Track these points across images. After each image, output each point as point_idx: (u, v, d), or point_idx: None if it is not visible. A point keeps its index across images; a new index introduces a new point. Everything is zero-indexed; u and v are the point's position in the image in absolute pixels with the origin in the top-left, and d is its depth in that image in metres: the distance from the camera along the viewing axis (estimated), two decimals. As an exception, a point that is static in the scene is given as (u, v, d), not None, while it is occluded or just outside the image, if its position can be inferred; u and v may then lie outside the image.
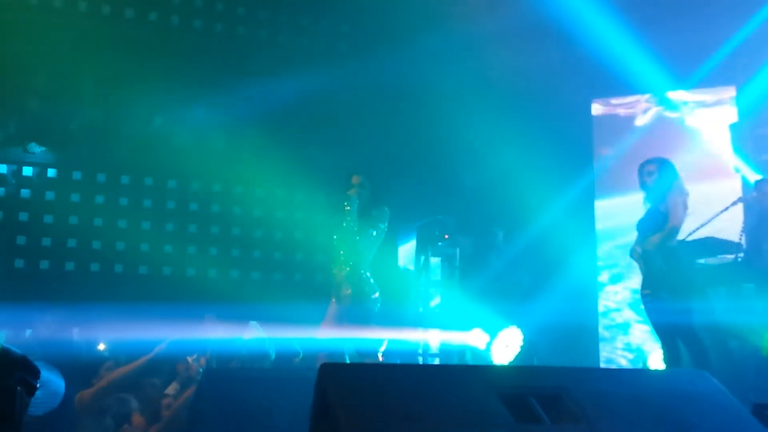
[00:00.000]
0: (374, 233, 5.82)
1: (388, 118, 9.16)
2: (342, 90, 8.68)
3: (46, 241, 7.89)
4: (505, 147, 8.27)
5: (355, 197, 5.83)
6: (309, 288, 8.45)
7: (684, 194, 5.72)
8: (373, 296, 5.81)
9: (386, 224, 5.89)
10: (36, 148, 7.81)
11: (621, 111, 9.11)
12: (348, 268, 5.80)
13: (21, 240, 7.79)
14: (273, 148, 8.06)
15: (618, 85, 8.58)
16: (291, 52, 9.19)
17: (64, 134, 8.27)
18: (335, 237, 5.91)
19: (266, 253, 8.84)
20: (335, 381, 2.80)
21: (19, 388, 2.59)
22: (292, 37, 9.39)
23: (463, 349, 7.79)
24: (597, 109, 9.26)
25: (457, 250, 8.39)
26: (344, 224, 5.83)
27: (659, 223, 5.62)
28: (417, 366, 5.24)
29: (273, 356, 6.46)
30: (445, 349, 7.85)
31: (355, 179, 5.98)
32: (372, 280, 5.86)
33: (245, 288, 8.21)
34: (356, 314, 5.79)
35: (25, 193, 7.91)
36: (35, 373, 2.71)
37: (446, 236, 8.29)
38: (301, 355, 6.61)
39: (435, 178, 9.19)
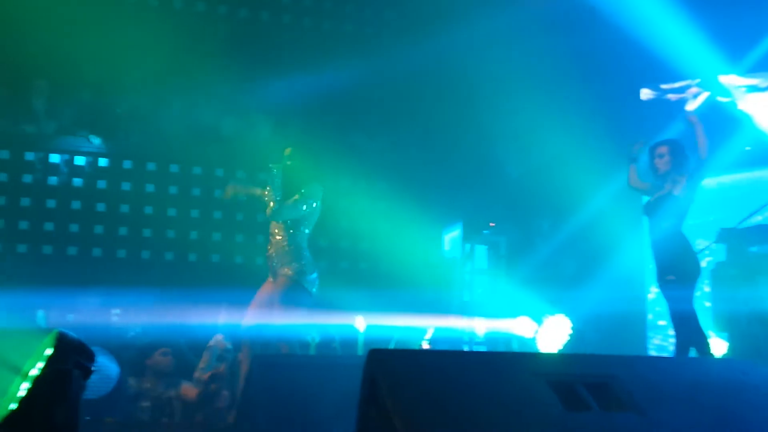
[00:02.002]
0: (305, 208, 5.64)
1: (431, 105, 9.13)
2: (386, 77, 8.67)
3: (99, 229, 8.07)
4: (550, 134, 8.19)
5: (277, 170, 5.67)
6: (355, 275, 8.50)
7: (696, 177, 5.58)
8: (310, 277, 5.63)
9: (318, 201, 5.71)
10: (94, 140, 7.99)
11: (670, 96, 8.93)
12: (293, 247, 5.64)
13: (74, 228, 7.97)
14: (317, 136, 8.10)
15: (667, 69, 8.42)
16: (336, 39, 9.22)
17: (115, 124, 8.44)
18: (267, 214, 5.68)
19: (311, 241, 8.91)
20: (383, 367, 2.82)
21: (75, 371, 2.66)
22: (336, 24, 9.41)
23: (509, 337, 7.76)
24: (645, 94, 9.08)
25: (503, 237, 8.34)
26: (266, 198, 5.66)
27: (671, 208, 5.50)
28: (465, 353, 5.24)
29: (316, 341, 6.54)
30: (491, 337, 7.83)
31: (287, 151, 5.83)
32: (311, 259, 5.69)
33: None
34: (291, 297, 5.60)
35: (77, 181, 8.10)
36: (91, 357, 2.79)
37: (492, 224, 8.25)
38: (316, 340, 6.64)
39: (480, 165, 9.14)
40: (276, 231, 5.69)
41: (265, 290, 5.64)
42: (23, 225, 7.81)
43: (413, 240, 8.08)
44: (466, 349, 7.70)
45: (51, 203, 7.94)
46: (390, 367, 2.81)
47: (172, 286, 7.33)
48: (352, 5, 9.43)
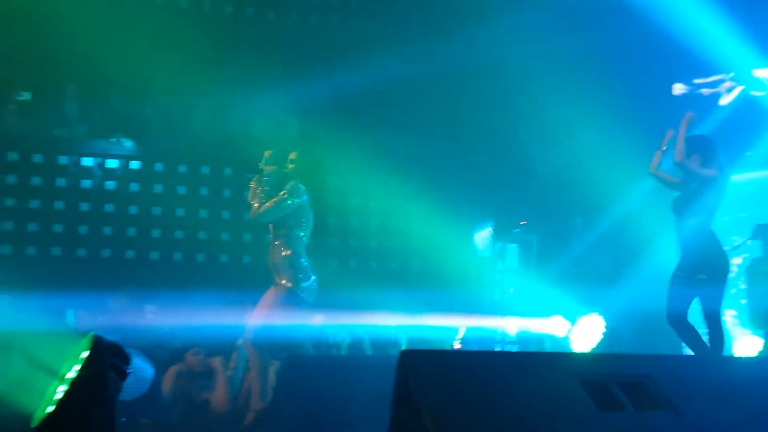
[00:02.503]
0: (286, 205, 5.51)
1: (460, 103, 9.10)
2: (414, 75, 8.66)
3: (131, 231, 8.17)
4: (582, 131, 8.12)
5: (268, 172, 5.59)
6: (384, 275, 8.51)
7: (724, 174, 5.48)
8: (304, 284, 5.53)
9: (299, 199, 5.55)
10: (126, 142, 8.09)
11: (704, 91, 8.81)
12: (288, 252, 5.56)
13: (107, 230, 8.08)
14: (347, 135, 8.12)
15: (700, 64, 8.31)
16: (363, 37, 9.23)
17: (146, 127, 8.54)
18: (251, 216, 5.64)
19: (342, 240, 8.93)
20: (416, 367, 2.82)
21: (111, 373, 2.69)
22: (363, 22, 9.42)
23: (541, 337, 7.71)
24: (678, 89, 8.96)
25: (535, 236, 8.30)
26: (250, 200, 5.59)
27: (699, 204, 5.41)
28: (498, 353, 5.22)
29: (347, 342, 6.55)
30: (523, 337, 7.78)
31: (291, 156, 5.75)
32: (305, 266, 5.58)
33: (322, 275, 8.30)
34: (287, 306, 5.50)
35: (110, 184, 8.20)
36: (126, 360, 2.82)
37: (523, 222, 8.21)
38: (348, 341, 6.64)
39: (510, 163, 9.09)
40: (272, 237, 5.65)
41: (266, 296, 5.61)
42: (57, 228, 7.93)
43: (444, 239, 8.07)
44: (498, 348, 7.66)
45: (84, 206, 8.05)
46: (422, 368, 2.81)
47: (206, 287, 7.38)
48: (378, 3, 9.44)
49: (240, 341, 6.09)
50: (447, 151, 9.20)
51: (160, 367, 5.93)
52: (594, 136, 8.06)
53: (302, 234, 5.61)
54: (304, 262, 5.58)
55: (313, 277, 5.61)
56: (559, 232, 8.69)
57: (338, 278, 8.14)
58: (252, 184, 5.65)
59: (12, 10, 7.94)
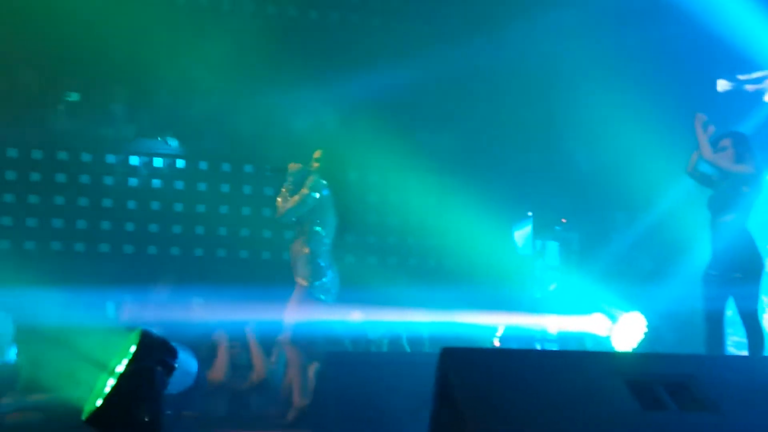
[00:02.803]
0: (308, 201, 5.57)
1: (500, 100, 9.06)
2: (454, 73, 8.65)
3: (177, 229, 8.31)
4: (624, 127, 8.03)
5: (293, 172, 5.66)
6: (422, 272, 8.52)
7: (759, 170, 5.36)
8: (318, 283, 5.57)
9: (319, 193, 5.61)
10: (172, 142, 8.23)
11: (748, 87, 8.65)
12: (306, 250, 5.60)
13: (153, 228, 8.23)
14: (386, 133, 8.15)
15: (744, 60, 8.16)
16: (402, 36, 9.25)
17: (191, 126, 8.67)
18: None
19: (380, 238, 8.96)
20: (456, 365, 2.83)
21: (159, 367, 2.76)
22: (405, 21, 9.44)
23: (582, 336, 7.65)
24: (722, 85, 8.81)
25: (575, 233, 8.23)
26: (285, 196, 5.64)
27: (735, 202, 5.31)
28: (539, 351, 5.20)
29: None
30: (563, 336, 7.72)
31: (315, 154, 5.80)
32: (326, 268, 5.61)
33: (361, 272, 8.35)
34: (303, 306, 5.57)
35: (156, 183, 8.36)
36: (173, 354, 2.89)
37: (563, 220, 8.14)
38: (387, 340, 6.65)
39: (550, 160, 9.03)
40: (294, 234, 5.73)
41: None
42: (105, 225, 8.11)
43: (483, 236, 8.05)
44: (538, 347, 7.62)
45: (131, 204, 8.21)
46: (463, 366, 2.82)
47: (247, 282, 7.48)
48: (417, 3, 9.46)
49: (279, 338, 6.16)
50: (486, 148, 9.17)
51: (203, 362, 6.03)
52: (636, 132, 7.96)
53: (322, 231, 5.65)
54: (321, 261, 5.61)
55: (329, 275, 5.63)
56: (601, 229, 8.60)
57: (377, 275, 8.20)
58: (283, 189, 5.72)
59: (60, 13, 8.13)
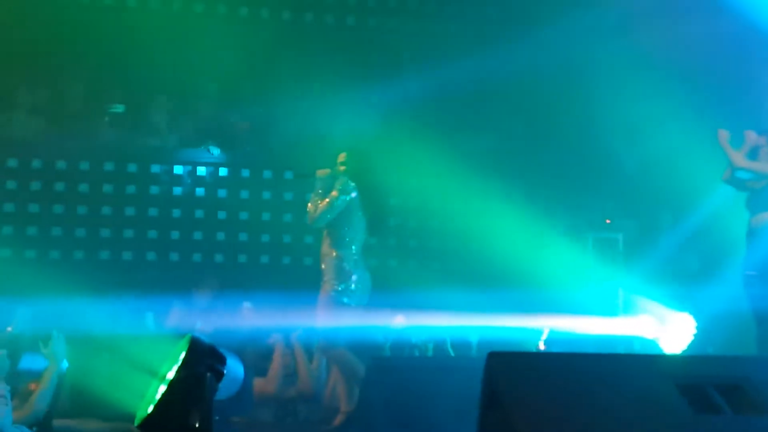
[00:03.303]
0: (338, 203, 5.57)
1: (540, 100, 9.00)
2: (493, 74, 8.61)
3: (220, 236, 8.41)
4: (670, 125, 7.90)
5: (321, 177, 5.68)
6: (464, 275, 8.48)
7: None
8: (341, 287, 5.54)
9: (349, 196, 5.62)
10: (214, 150, 8.35)
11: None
12: (333, 254, 5.60)
13: (198, 236, 8.34)
14: (425, 137, 8.15)
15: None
16: (440, 40, 9.25)
17: (233, 134, 8.78)
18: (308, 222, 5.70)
19: (421, 243, 8.95)
20: (503, 370, 2.81)
21: (208, 374, 2.79)
22: (440, 25, 9.44)
23: (630, 338, 7.54)
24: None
25: (620, 234, 8.13)
26: (314, 198, 5.66)
27: (765, 200, 5.19)
28: (587, 354, 5.11)
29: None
30: (610, 338, 7.62)
31: (339, 158, 5.79)
32: (351, 272, 5.59)
33: (402, 277, 8.36)
34: (327, 310, 5.57)
35: (199, 191, 8.48)
36: (222, 361, 2.92)
37: (608, 221, 8.04)
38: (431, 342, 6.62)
39: (593, 160, 8.93)
40: (322, 238, 5.74)
41: None
42: (152, 234, 8.24)
43: (526, 239, 7.99)
44: (584, 350, 7.52)
45: (176, 212, 8.34)
46: (510, 370, 2.80)
47: (290, 288, 7.53)
48: (454, 5, 9.45)
49: (318, 344, 6.18)
50: (528, 150, 9.11)
51: (250, 368, 6.07)
52: (682, 129, 7.83)
53: (350, 234, 5.65)
54: (346, 264, 5.59)
55: (355, 279, 5.60)
56: (647, 230, 8.48)
57: (418, 280, 8.19)
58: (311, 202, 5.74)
59: (105, 26, 8.30)
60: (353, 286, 5.60)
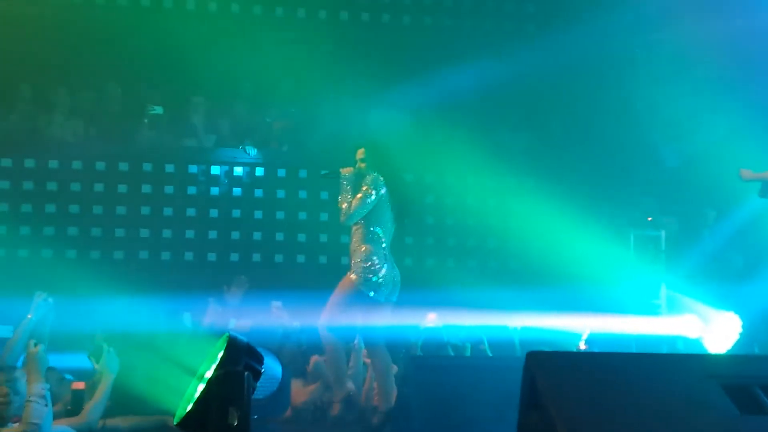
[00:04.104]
0: (369, 200, 5.56)
1: (579, 96, 8.90)
2: (530, 71, 8.54)
3: (257, 236, 8.45)
4: (713, 120, 7.75)
5: (346, 175, 5.65)
6: (503, 274, 8.42)
7: None
8: (373, 280, 5.51)
9: (381, 191, 5.60)
10: (251, 150, 8.39)
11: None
12: (363, 248, 5.56)
13: (235, 235, 8.39)
14: (462, 135, 8.11)
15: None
16: (477, 37, 9.19)
17: (269, 134, 8.82)
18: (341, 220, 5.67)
19: (460, 241, 8.90)
20: (543, 369, 2.77)
21: (246, 373, 2.78)
22: (477, 22, 9.39)
23: (673, 338, 7.40)
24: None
25: (662, 232, 7.99)
26: (339, 201, 5.65)
27: None
28: (629, 354, 5.04)
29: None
30: (653, 338, 7.49)
31: (358, 154, 5.76)
32: (382, 266, 5.55)
33: (440, 276, 8.32)
34: (347, 300, 5.55)
35: (236, 191, 8.53)
36: (260, 359, 2.91)
37: (649, 218, 7.92)
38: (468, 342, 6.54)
39: (634, 156, 8.80)
40: (352, 233, 5.73)
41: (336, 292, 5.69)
42: (189, 234, 8.31)
43: (566, 237, 7.89)
44: (627, 350, 7.40)
45: (213, 212, 8.40)
46: (550, 370, 2.75)
47: (327, 288, 7.53)
48: (492, 2, 9.39)
49: (355, 342, 6.16)
50: (568, 146, 9.01)
51: (285, 366, 6.07)
52: (725, 125, 7.67)
53: (380, 231, 5.64)
54: (376, 258, 5.58)
55: (382, 274, 5.59)
56: (689, 227, 8.33)
57: (457, 278, 8.14)
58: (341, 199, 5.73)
59: (142, 30, 8.41)
60: (380, 280, 5.60)
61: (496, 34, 9.16)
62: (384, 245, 5.67)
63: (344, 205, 5.67)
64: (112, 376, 4.94)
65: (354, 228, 5.71)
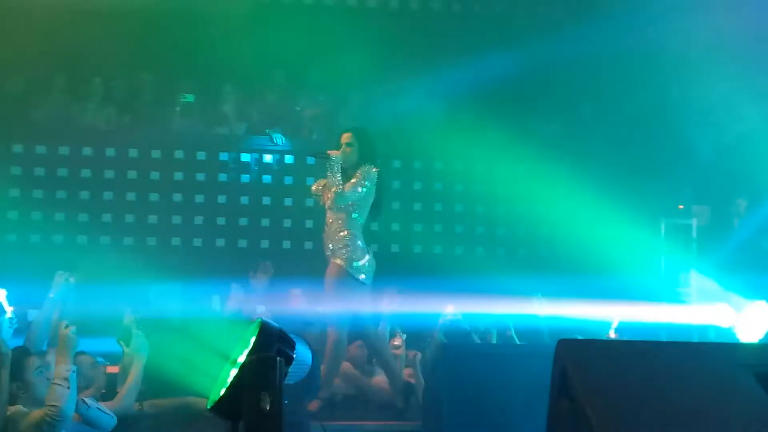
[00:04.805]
0: (360, 190, 5.60)
1: (611, 84, 8.81)
2: (562, 58, 8.47)
3: (287, 223, 8.51)
4: (746, 108, 7.64)
5: (336, 158, 5.62)
6: (532, 262, 8.39)
7: None
8: (356, 264, 5.56)
9: (373, 184, 5.65)
10: (278, 138, 8.43)
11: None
12: (344, 233, 5.60)
13: (265, 222, 8.45)
14: (493, 122, 8.07)
15: None
16: (508, 24, 9.14)
17: (298, 122, 8.85)
18: (326, 201, 5.67)
19: (489, 229, 8.89)
20: (574, 357, 2.77)
21: (279, 358, 2.82)
22: (508, 8, 9.33)
23: (704, 326, 7.33)
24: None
25: (693, 220, 7.91)
26: (328, 186, 5.64)
27: None
28: (660, 343, 5.00)
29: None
30: (684, 326, 7.43)
31: (343, 138, 5.74)
32: (365, 250, 5.63)
33: (469, 264, 8.31)
34: (343, 287, 5.58)
35: (266, 178, 8.58)
36: (292, 345, 2.94)
37: (680, 206, 7.84)
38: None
39: (666, 143, 8.70)
40: (330, 220, 5.73)
41: (328, 282, 5.71)
42: (221, 221, 8.40)
43: (595, 224, 7.85)
44: (657, 338, 7.35)
45: (244, 200, 8.47)
46: (581, 358, 2.75)
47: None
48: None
49: (379, 329, 6.18)
50: (598, 134, 8.95)
51: (314, 352, 6.11)
52: (760, 113, 7.56)
53: (362, 217, 5.73)
54: (360, 243, 5.66)
55: (368, 257, 5.67)
56: (721, 215, 8.24)
57: (485, 265, 8.13)
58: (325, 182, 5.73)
59: (174, 18, 8.47)
60: (366, 264, 5.68)
61: (527, 21, 9.10)
62: (362, 231, 5.76)
63: (334, 189, 5.65)
64: (143, 358, 4.97)
65: (335, 214, 5.72)
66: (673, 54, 8.31)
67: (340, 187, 5.63)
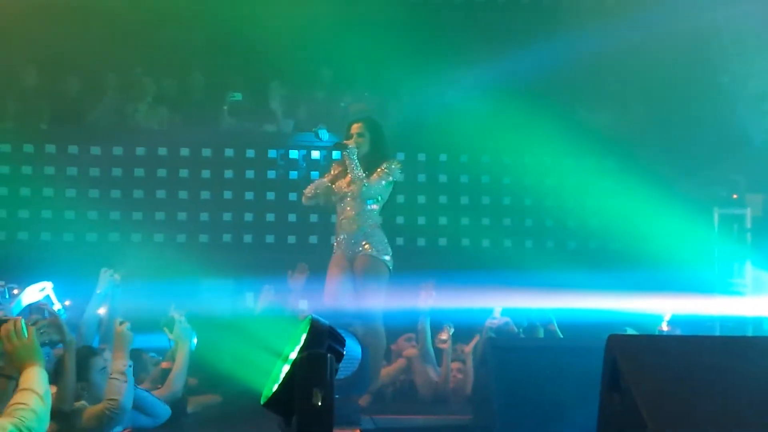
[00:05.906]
0: (384, 184, 5.59)
1: (662, 72, 8.66)
2: (612, 48, 8.35)
3: (335, 219, 8.53)
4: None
5: (353, 148, 5.57)
6: (583, 255, 8.31)
7: None
8: (385, 257, 5.55)
9: (395, 179, 5.65)
10: (323, 135, 8.49)
11: None
12: (373, 226, 5.60)
13: (313, 218, 8.51)
14: (541, 114, 8.01)
15: None
16: (556, 14, 9.04)
17: (345, 118, 8.87)
18: (334, 191, 5.67)
19: (537, 221, 8.82)
20: (625, 352, 2.76)
21: (329, 355, 2.87)
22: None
23: (759, 319, 7.18)
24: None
25: (747, 209, 7.75)
26: (351, 177, 5.61)
27: None
28: (713, 337, 4.94)
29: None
30: (738, 319, 7.29)
31: (354, 128, 5.71)
32: (385, 240, 5.61)
33: (519, 256, 8.27)
34: (375, 274, 5.56)
35: (314, 174, 8.62)
36: (341, 341, 2.99)
37: (734, 196, 7.68)
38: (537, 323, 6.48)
39: (719, 132, 8.52)
40: (347, 210, 5.69)
41: (341, 272, 5.66)
42: (270, 217, 8.49)
43: (646, 216, 7.73)
44: (711, 332, 7.22)
45: (292, 196, 8.54)
46: (633, 353, 2.75)
47: (402, 270, 7.56)
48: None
49: (419, 326, 6.19)
50: (649, 123, 8.81)
51: (363, 348, 6.14)
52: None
53: (380, 209, 5.74)
54: (385, 237, 5.71)
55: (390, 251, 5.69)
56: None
57: (534, 259, 8.08)
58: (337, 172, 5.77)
59: (221, 17, 8.59)
60: (391, 258, 5.73)
61: (575, 11, 8.98)
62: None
63: (359, 182, 5.64)
64: (188, 344, 5.10)
65: (365, 207, 5.70)
66: (726, 39, 8.12)
67: (364, 180, 5.63)
